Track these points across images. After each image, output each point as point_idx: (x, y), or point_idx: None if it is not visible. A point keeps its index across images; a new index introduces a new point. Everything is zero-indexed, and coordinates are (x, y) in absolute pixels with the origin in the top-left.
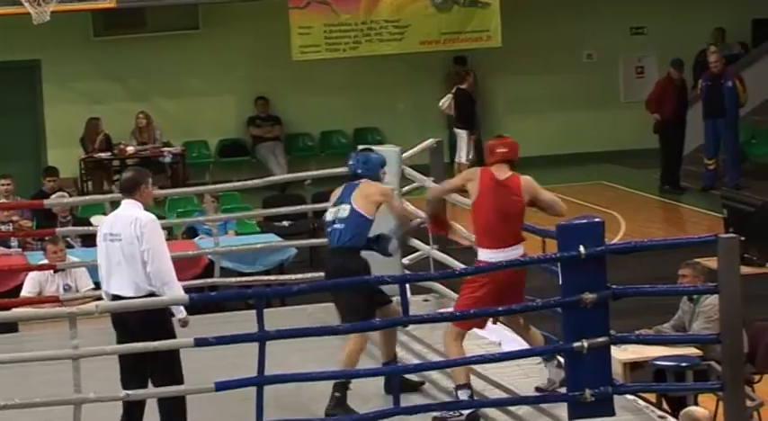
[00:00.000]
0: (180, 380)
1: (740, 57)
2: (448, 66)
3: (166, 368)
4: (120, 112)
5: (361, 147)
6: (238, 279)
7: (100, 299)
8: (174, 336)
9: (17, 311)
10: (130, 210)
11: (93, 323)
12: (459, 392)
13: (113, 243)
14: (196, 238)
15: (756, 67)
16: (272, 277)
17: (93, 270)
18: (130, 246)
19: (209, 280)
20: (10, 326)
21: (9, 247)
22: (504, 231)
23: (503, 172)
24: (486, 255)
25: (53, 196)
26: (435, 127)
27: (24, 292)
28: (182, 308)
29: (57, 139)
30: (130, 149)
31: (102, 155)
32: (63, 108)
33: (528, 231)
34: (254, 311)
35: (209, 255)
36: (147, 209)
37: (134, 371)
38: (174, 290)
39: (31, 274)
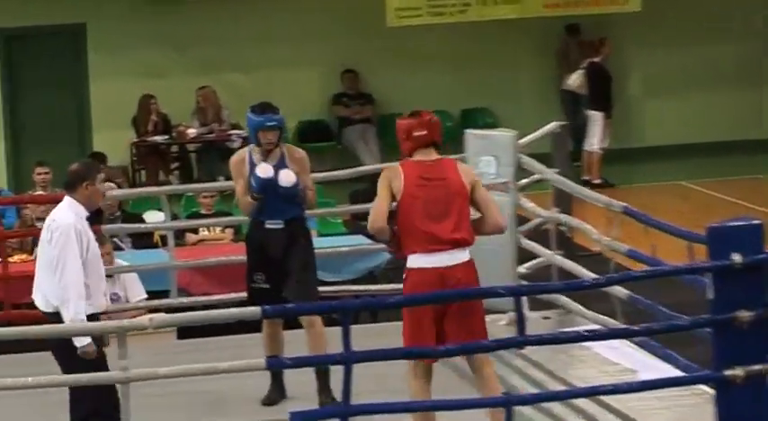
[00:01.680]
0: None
1: None
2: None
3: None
4: (180, 88)
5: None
6: (321, 289)
7: (156, 311)
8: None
9: (53, 325)
10: (59, 209)
11: (145, 339)
12: None
13: (40, 245)
14: None
15: None
16: (361, 287)
17: (145, 276)
18: (42, 251)
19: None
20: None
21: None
22: (449, 228)
23: (429, 156)
24: (422, 260)
25: None
26: (558, 108)
27: None
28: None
29: (104, 120)
30: (192, 132)
31: (158, 139)
32: (112, 82)
33: (670, 233)
34: (337, 328)
35: None
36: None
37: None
38: (71, 312)
39: None
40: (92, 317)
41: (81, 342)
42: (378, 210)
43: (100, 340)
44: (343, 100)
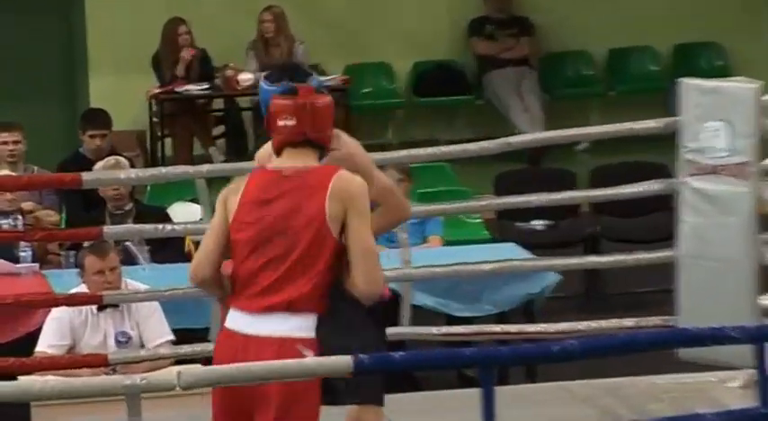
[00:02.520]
0: None
1: None
2: None
3: None
4: (228, 10)
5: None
6: (446, 329)
7: (188, 362)
8: None
9: (27, 381)
10: None
11: (171, 403)
12: None
13: None
14: None
15: None
16: (513, 327)
17: (172, 306)
18: None
19: (391, 329)
20: (14, 413)
21: (17, 260)
22: (268, 280)
23: (294, 162)
24: (231, 318)
25: (99, 165)
26: None
27: (42, 346)
28: None
29: (106, 58)
30: (246, 79)
31: (193, 88)
32: (118, 1)
33: None
34: (474, 391)
35: (392, 281)
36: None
37: None
38: None
39: (56, 313)
40: None
41: None
42: (202, 251)
43: None
44: (486, 29)
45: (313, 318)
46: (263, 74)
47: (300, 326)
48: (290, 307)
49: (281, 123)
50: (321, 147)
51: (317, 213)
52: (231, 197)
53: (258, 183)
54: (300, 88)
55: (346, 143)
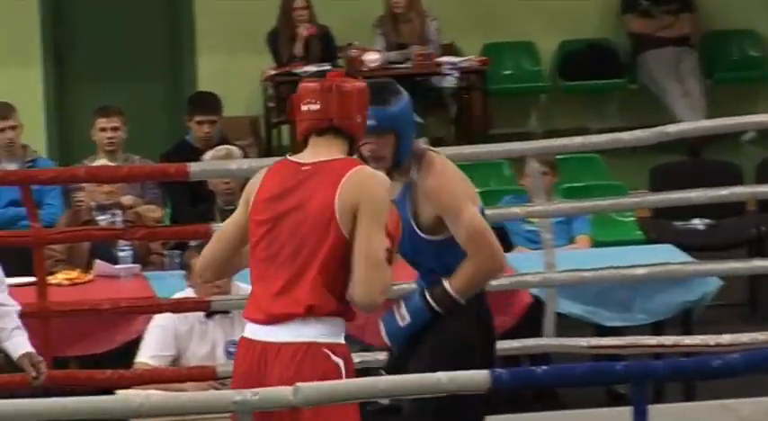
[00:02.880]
0: None
1: None
2: None
3: None
4: None
5: None
6: (596, 341)
7: None
8: None
9: (127, 395)
10: None
11: None
12: None
13: None
14: (511, 253)
15: None
16: (669, 338)
17: None
18: None
19: (528, 341)
20: None
21: (115, 261)
22: (277, 286)
23: (314, 154)
24: (248, 326)
25: (208, 155)
26: None
27: (143, 357)
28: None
29: (216, 35)
30: (373, 59)
31: (312, 69)
32: None
33: None
34: (625, 409)
35: (532, 286)
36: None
37: None
38: None
39: (159, 320)
40: None
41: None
42: (208, 252)
43: None
44: (641, 4)
45: (336, 322)
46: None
47: (324, 331)
48: (308, 312)
49: (304, 108)
50: (350, 137)
51: (325, 210)
52: (251, 192)
53: (275, 177)
54: (331, 72)
55: (436, 173)
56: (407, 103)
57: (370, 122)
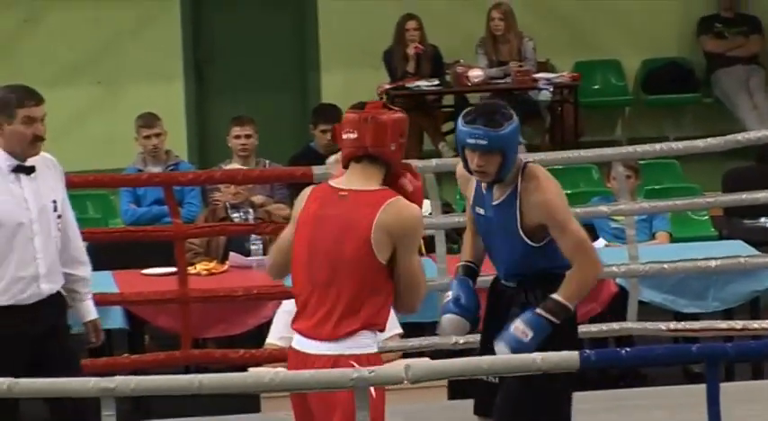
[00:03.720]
0: None
1: None
2: None
3: None
4: (457, 7)
5: None
6: (674, 325)
7: (416, 355)
8: None
9: (258, 372)
10: None
11: (399, 397)
12: None
13: None
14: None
15: None
16: (739, 323)
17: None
18: None
19: (614, 324)
20: (245, 402)
21: (248, 254)
22: (323, 311)
23: (350, 181)
24: (298, 340)
25: (330, 159)
26: None
27: (272, 338)
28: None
29: (338, 53)
30: (476, 75)
31: (422, 84)
32: None
33: None
34: (700, 387)
35: (618, 277)
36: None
37: None
38: None
39: (287, 305)
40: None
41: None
42: (272, 258)
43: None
44: (715, 27)
45: (366, 335)
46: (462, 112)
47: (351, 344)
48: (340, 329)
49: (345, 136)
50: (386, 164)
51: (361, 236)
52: (298, 206)
53: (316, 201)
54: (369, 102)
55: (541, 187)
56: (516, 126)
57: (481, 142)
